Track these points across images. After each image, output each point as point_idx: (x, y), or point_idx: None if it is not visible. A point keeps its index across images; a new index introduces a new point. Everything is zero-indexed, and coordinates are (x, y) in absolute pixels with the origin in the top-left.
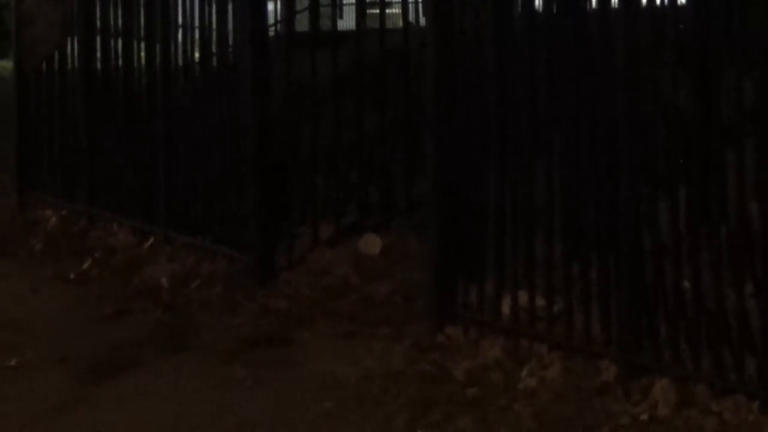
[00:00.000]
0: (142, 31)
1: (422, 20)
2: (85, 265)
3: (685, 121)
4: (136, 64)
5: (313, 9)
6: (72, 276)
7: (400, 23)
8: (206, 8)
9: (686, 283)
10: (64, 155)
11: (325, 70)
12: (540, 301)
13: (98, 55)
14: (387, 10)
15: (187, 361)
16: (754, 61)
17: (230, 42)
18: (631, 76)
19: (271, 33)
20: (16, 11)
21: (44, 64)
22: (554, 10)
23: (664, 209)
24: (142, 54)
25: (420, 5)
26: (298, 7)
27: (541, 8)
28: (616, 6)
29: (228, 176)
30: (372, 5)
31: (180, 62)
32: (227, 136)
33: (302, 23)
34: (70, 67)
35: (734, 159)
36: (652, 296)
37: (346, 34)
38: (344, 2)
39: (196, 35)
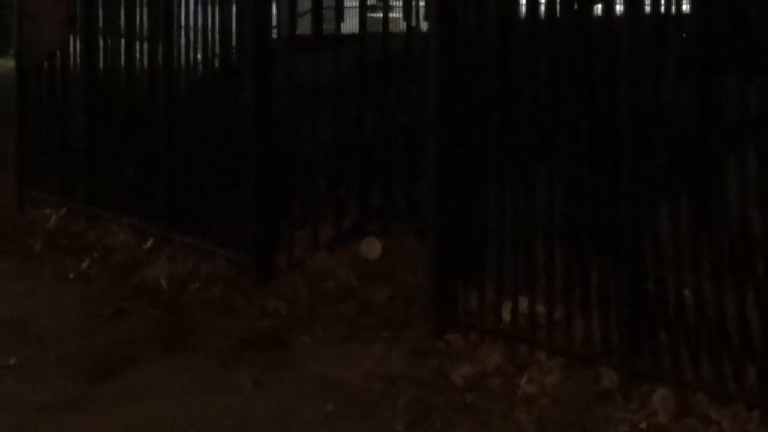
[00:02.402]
0: (145, 31)
1: (422, 24)
2: (85, 265)
3: (687, 127)
4: (138, 63)
5: (316, 12)
6: (71, 275)
7: (400, 27)
8: (209, 9)
9: (686, 291)
10: (64, 154)
11: (326, 72)
12: (540, 308)
13: (100, 54)
14: (388, 14)
15: (186, 361)
16: (756, 67)
17: (233, 43)
18: (634, 82)
19: (273, 35)
20: (18, 9)
21: (46, 63)
22: (557, 15)
23: (665, 216)
24: (145, 54)
25: (422, 9)
26: (300, 10)
27: (544, 13)
28: (620, 11)
29: (228, 177)
30: (373, 9)
31: (182, 63)
32: (228, 137)
33: (303, 26)
34: (71, 65)
35: (736, 166)
36: (652, 303)
37: (348, 37)
38: (346, 5)
39: (199, 36)
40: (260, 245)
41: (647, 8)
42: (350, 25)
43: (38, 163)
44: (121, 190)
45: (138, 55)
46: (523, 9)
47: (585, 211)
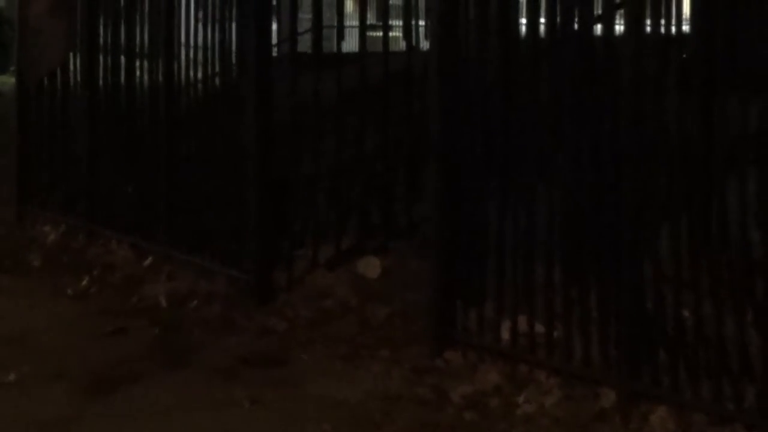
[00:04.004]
0: (146, 49)
1: (423, 43)
2: (84, 282)
3: (687, 147)
4: (138, 81)
5: (316, 30)
6: (70, 292)
7: (400, 46)
8: (210, 27)
9: (686, 311)
10: (64, 171)
11: (327, 90)
12: (539, 327)
13: (101, 71)
14: (388, 33)
15: (185, 379)
16: (757, 87)
17: (233, 60)
18: (634, 102)
19: (274, 53)
20: (19, 25)
21: (46, 79)
22: (559, 35)
23: (665, 236)
24: (145, 71)
25: (422, 28)
26: (301, 29)
27: (545, 33)
28: (621, 32)
29: (229, 195)
30: (373, 28)
31: (183, 80)
32: (229, 155)
33: (303, 44)
34: (72, 82)
35: (736, 186)
36: (651, 323)
37: (349, 55)
38: (346, 24)
39: (200, 53)
40: (260, 264)
41: (647, 28)
42: (350, 44)
43: (38, 180)
44: (121, 207)
45: (139, 72)
46: (524, 29)
47: (585, 230)
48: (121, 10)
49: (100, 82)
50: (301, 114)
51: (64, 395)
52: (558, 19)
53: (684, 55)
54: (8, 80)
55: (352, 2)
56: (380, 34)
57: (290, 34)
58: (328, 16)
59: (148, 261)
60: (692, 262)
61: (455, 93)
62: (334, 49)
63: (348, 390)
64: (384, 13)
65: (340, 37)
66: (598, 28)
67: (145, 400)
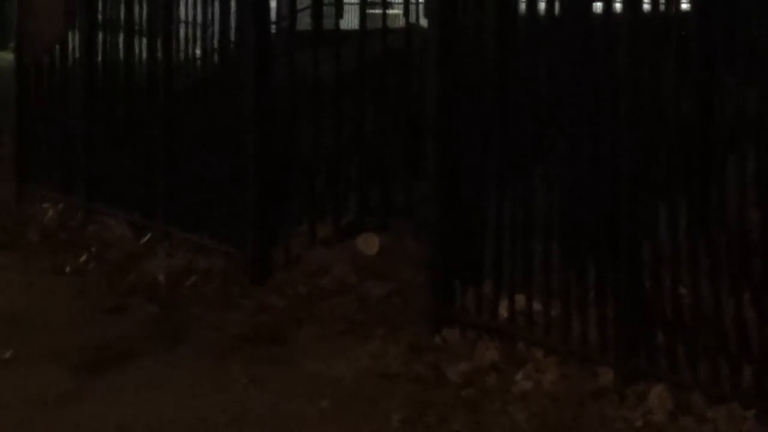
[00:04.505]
0: (144, 26)
1: (422, 20)
2: (82, 259)
3: (686, 128)
4: (137, 59)
5: (315, 8)
6: (68, 270)
7: (400, 23)
8: (209, 4)
9: (684, 290)
10: (63, 149)
11: (326, 68)
12: (537, 305)
13: (99, 49)
14: (388, 11)
15: (183, 357)
16: (756, 68)
17: (232, 38)
18: (633, 82)
19: (273, 31)
20: (18, 3)
21: (45, 57)
22: (557, 14)
23: (664, 216)
24: (144, 49)
25: (421, 6)
26: (300, 6)
27: (544, 11)
28: (620, 11)
29: (227, 173)
30: (373, 5)
31: (181, 58)
32: (227, 133)
33: (302, 21)
34: (71, 60)
35: (734, 167)
36: (649, 302)
37: (348, 33)
38: (345, 2)
39: (199, 31)
40: (258, 241)
41: (646, 7)
42: (349, 21)
43: (37, 158)
44: (119, 185)
45: (137, 50)
46: (523, 6)
47: (583, 209)
48: None
49: (99, 59)
50: (300, 92)
51: (61, 372)
52: None
53: (683, 33)
54: (7, 56)
55: None
56: (380, 11)
57: (289, 12)
58: None
59: (146, 239)
60: (690, 242)
61: (453, 72)
62: (333, 26)
63: (345, 367)
64: None
65: (339, 14)
66: (598, 6)
67: (142, 377)
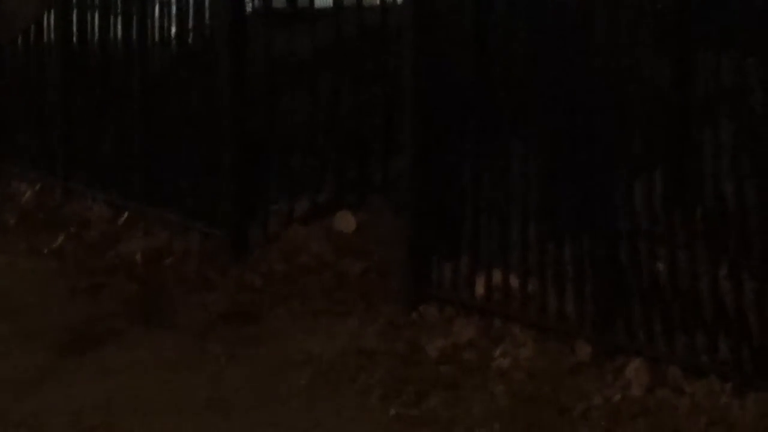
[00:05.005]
0: (120, 5)
1: None
2: (60, 240)
3: (661, 100)
4: (112, 37)
5: None
6: (46, 250)
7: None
8: None
9: (660, 264)
10: (39, 129)
11: (302, 46)
12: (514, 281)
13: (75, 29)
14: None
15: (161, 336)
16: (731, 40)
17: (207, 16)
18: (609, 55)
19: (248, 8)
20: None
21: (21, 38)
22: None
23: (640, 190)
24: (119, 27)
25: None
26: None
27: None
28: None
29: (204, 152)
30: None
31: (157, 37)
32: (204, 111)
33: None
34: (46, 40)
35: (710, 139)
36: (626, 277)
37: (324, 10)
38: None
39: (174, 9)
40: (235, 219)
41: None
42: None
43: (14, 138)
44: (96, 164)
45: (113, 28)
46: None
47: (559, 184)
48: None
49: (75, 39)
50: (276, 69)
51: (41, 353)
52: None
53: (659, 6)
54: None
55: None
56: None
57: None
58: None
59: (123, 218)
60: (666, 215)
61: (429, 48)
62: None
63: (324, 345)
64: None
65: None
66: None
67: (121, 357)
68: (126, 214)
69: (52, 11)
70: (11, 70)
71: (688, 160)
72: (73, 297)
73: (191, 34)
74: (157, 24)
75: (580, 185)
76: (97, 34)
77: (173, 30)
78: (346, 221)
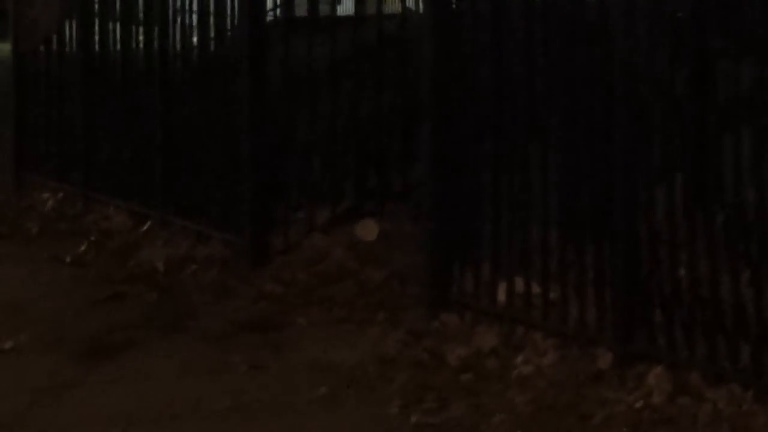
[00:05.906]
0: (141, 15)
1: (420, 6)
2: (81, 248)
3: (682, 107)
4: (134, 47)
5: None
6: (68, 259)
7: (398, 9)
8: None
9: (682, 271)
10: (61, 138)
11: (322, 55)
12: (536, 288)
13: (96, 38)
14: None
15: (182, 344)
16: (751, 47)
17: (228, 26)
18: (628, 61)
19: (270, 17)
20: None
21: (42, 47)
22: None
23: (661, 196)
24: (141, 38)
25: None
26: None
27: None
28: None
29: (225, 160)
30: None
31: (178, 46)
32: (224, 120)
33: (299, 7)
34: (68, 49)
35: (731, 146)
36: (647, 283)
37: (345, 19)
38: None
39: (195, 18)
40: (256, 228)
41: None
42: (346, 7)
43: (35, 147)
44: (117, 173)
45: (134, 38)
46: None
47: (580, 191)
48: None
49: (96, 48)
50: (296, 78)
51: (61, 362)
52: None
53: (679, 14)
54: (5, 47)
55: None
56: None
57: None
58: None
59: (145, 227)
60: (688, 221)
61: (448, 55)
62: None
63: (345, 353)
64: None
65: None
66: None
67: (142, 366)
68: (148, 223)
69: (74, 20)
70: (33, 79)
71: (709, 166)
72: (94, 305)
73: (212, 44)
74: (178, 33)
75: (601, 192)
76: (118, 44)
77: (194, 39)
78: (368, 229)
